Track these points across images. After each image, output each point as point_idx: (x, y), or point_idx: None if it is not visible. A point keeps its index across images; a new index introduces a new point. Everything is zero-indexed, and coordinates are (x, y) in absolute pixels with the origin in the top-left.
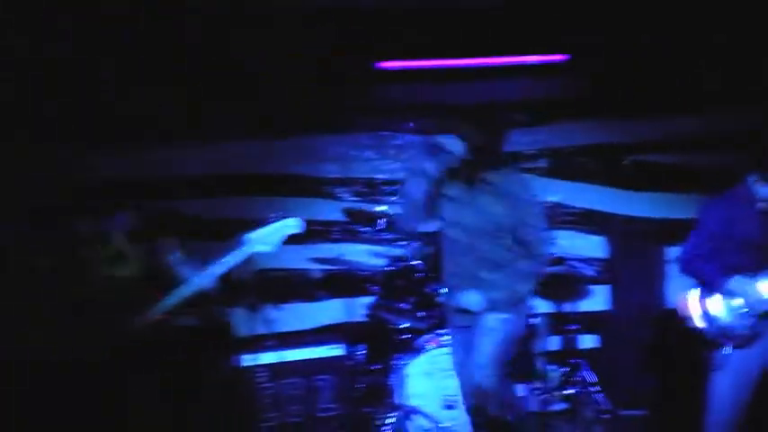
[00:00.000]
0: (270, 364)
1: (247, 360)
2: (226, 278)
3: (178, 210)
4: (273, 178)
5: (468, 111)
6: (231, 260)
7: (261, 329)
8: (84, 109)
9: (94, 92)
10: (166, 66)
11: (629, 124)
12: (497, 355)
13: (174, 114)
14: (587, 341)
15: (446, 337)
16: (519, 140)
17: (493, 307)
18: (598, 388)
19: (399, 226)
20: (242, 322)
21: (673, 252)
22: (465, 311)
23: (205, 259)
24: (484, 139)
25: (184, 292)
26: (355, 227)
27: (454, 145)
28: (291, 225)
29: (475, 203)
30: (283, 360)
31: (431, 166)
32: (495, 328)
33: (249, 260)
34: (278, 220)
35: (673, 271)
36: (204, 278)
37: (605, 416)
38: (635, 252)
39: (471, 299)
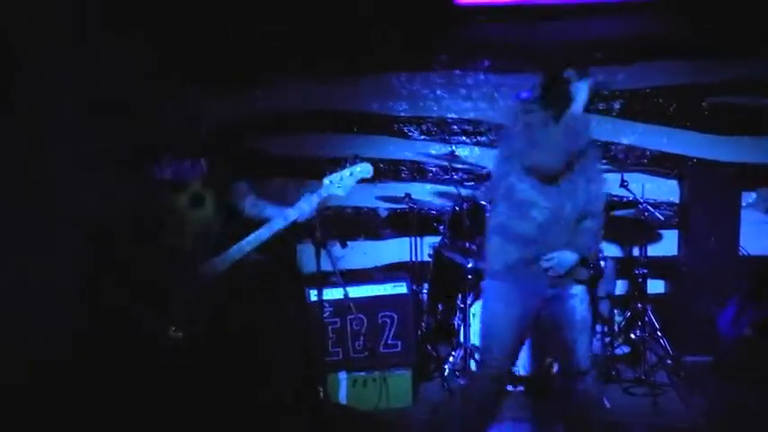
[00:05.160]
0: (335, 300)
1: (313, 296)
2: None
3: (253, 149)
4: (346, 115)
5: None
6: (307, 205)
7: (327, 266)
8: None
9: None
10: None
11: (708, 65)
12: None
13: (252, 53)
14: (655, 286)
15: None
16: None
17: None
18: (662, 333)
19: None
20: (308, 258)
21: (748, 197)
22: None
23: (279, 196)
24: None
25: (261, 236)
26: (424, 166)
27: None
28: (365, 170)
29: (553, 141)
30: (348, 297)
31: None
32: (578, 296)
33: (322, 203)
34: (352, 164)
35: (748, 216)
36: (280, 222)
37: (668, 361)
38: (709, 197)
39: (569, 260)
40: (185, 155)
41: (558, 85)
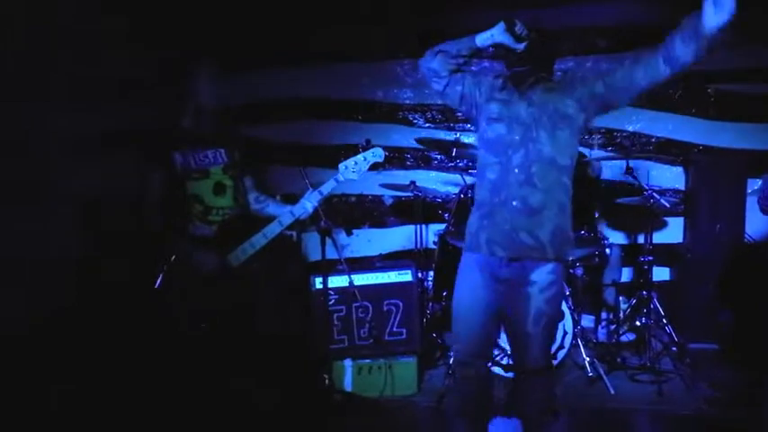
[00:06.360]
0: (340, 288)
1: (318, 283)
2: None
3: (256, 138)
4: (350, 103)
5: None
6: (309, 203)
7: (332, 253)
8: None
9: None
10: None
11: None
12: (547, 336)
13: (258, 39)
14: (660, 273)
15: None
16: (600, 67)
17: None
18: (668, 320)
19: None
20: (314, 246)
21: (754, 184)
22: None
23: (281, 184)
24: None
25: (273, 231)
26: (429, 154)
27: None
28: (377, 154)
29: (528, 96)
30: (353, 284)
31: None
32: (538, 285)
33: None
34: (365, 149)
35: (753, 204)
36: (288, 218)
37: (674, 348)
38: (714, 184)
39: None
40: (205, 144)
41: None
